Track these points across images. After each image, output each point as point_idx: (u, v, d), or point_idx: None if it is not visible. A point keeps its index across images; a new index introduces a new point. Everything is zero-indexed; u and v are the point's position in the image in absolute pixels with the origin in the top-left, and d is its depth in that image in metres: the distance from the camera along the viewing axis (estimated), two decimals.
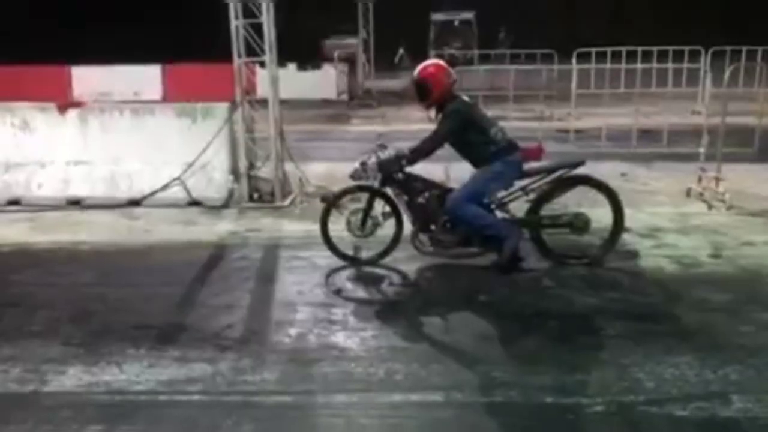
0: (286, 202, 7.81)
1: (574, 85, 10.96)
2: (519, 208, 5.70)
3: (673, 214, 7.07)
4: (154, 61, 16.78)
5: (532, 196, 5.58)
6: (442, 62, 5.67)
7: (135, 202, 7.73)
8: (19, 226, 7.15)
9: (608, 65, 12.25)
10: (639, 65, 11.83)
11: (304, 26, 24.76)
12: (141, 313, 4.91)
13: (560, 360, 4.11)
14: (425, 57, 28.00)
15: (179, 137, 7.83)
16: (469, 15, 27.75)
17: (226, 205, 7.72)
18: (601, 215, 5.71)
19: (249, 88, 7.97)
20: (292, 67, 17.17)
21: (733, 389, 3.75)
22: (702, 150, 7.73)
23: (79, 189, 7.87)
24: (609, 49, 13.18)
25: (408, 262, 5.77)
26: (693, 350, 4.17)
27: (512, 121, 11.72)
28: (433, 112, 5.70)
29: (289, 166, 8.14)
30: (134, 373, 4.03)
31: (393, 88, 20.54)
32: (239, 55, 7.72)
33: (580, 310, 4.87)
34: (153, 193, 7.74)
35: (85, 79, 16.22)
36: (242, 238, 6.69)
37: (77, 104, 8.46)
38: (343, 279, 5.56)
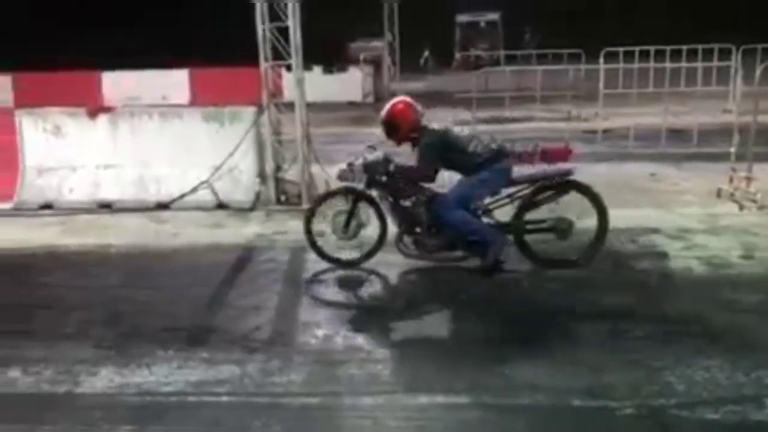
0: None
1: (601, 84, 10.86)
2: (506, 213, 5.63)
3: (703, 214, 6.96)
4: (177, 64, 16.95)
5: (518, 203, 5.59)
6: (408, 98, 5.78)
7: (164, 205, 7.81)
8: (51, 229, 7.27)
9: (636, 64, 12.12)
10: (668, 64, 11.69)
11: (329, 29, 24.87)
12: (170, 316, 4.98)
13: (588, 362, 4.07)
14: (451, 58, 27.90)
15: (207, 141, 7.92)
16: (494, 16, 27.65)
17: (253, 207, 7.78)
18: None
19: (275, 92, 8.03)
20: (317, 70, 17.23)
21: (767, 392, 3.68)
22: (733, 149, 7.62)
23: (109, 192, 7.98)
24: (637, 48, 13.04)
25: (434, 264, 5.75)
26: (724, 352, 4.11)
27: (539, 122, 11.70)
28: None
29: (315, 169, 8.17)
30: (164, 375, 4.08)
31: (418, 90, 20.52)
32: (266, 59, 7.77)
33: (608, 312, 4.82)
34: (181, 197, 7.81)
35: (115, 83, 16.45)
36: (269, 241, 6.73)
37: (107, 109, 8.59)
38: (370, 282, 5.57)
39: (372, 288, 5.46)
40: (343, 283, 5.51)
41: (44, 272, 6.03)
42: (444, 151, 5.43)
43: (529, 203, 5.55)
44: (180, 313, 5.02)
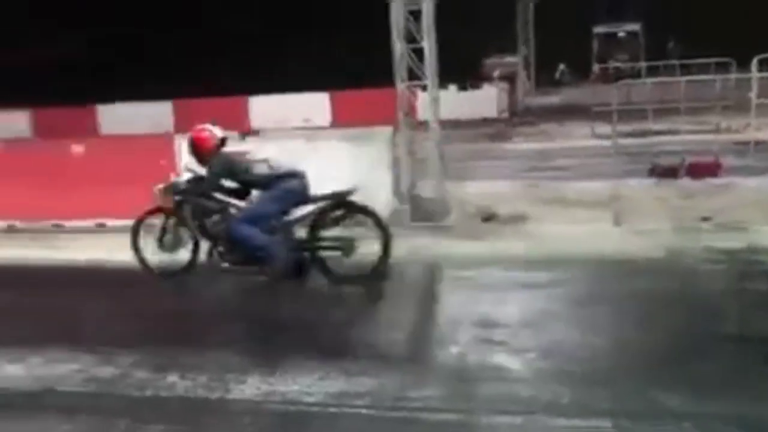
0: (448, 221, 7.91)
1: (754, 94, 10.20)
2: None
3: None
4: (321, 87, 17.68)
5: (309, 221, 6.04)
6: (209, 126, 6.37)
7: None
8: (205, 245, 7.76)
9: None
10: None
11: (463, 46, 24.98)
12: (312, 328, 5.19)
13: (739, 389, 3.83)
14: (588, 71, 27.17)
15: (346, 160, 8.18)
16: (635, 26, 26.65)
17: (389, 224, 7.93)
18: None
19: (410, 111, 8.20)
20: (452, 88, 17.38)
21: None
22: None
23: None
24: None
25: (519, 283, 5.62)
26: None
27: (685, 135, 11.14)
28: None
29: (450, 186, 8.24)
30: (306, 385, 4.23)
31: (554, 104, 20.15)
32: (402, 80, 7.96)
33: (761, 335, 4.51)
34: None
35: (261, 107, 17.43)
36: (405, 257, 6.83)
37: (256, 132, 9.13)
38: (507, 300, 5.52)
39: (509, 306, 5.42)
40: (481, 301, 5.50)
41: (199, 285, 6.49)
42: (229, 172, 6.07)
43: (321, 221, 6.01)
44: (320, 325, 5.23)
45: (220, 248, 6.15)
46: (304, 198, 6.03)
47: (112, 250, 7.15)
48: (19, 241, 8.37)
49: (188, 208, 6.28)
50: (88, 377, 4.49)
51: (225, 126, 9.61)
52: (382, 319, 5.28)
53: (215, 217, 6.13)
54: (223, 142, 6.28)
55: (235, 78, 19.79)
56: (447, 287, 5.92)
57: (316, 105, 17.37)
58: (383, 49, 8.12)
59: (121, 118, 17.35)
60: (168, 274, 6.42)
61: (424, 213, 8.06)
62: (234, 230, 5.97)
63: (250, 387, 4.28)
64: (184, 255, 6.40)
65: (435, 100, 8.01)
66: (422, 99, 8.38)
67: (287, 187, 5.97)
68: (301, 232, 6.11)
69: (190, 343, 5.08)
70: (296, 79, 18.70)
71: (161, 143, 9.11)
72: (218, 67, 24.32)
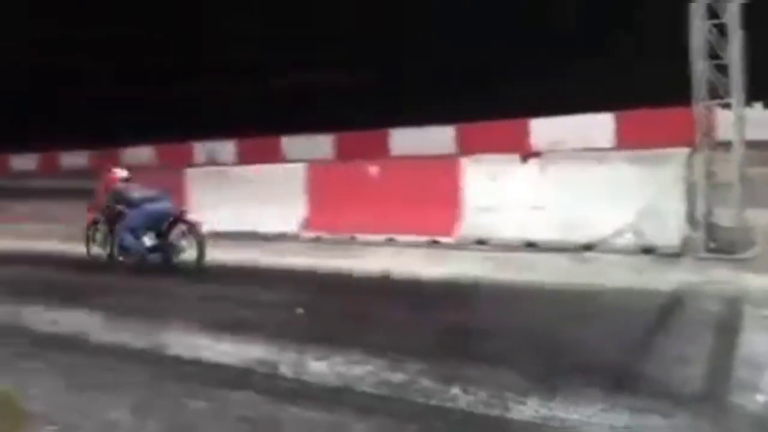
0: (750, 253, 7.15)
1: None
2: None
3: None
4: (602, 107, 17.00)
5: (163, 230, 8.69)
6: (116, 168, 9.53)
7: (588, 247, 7.95)
8: (485, 263, 7.97)
9: None
10: None
11: None
12: (595, 356, 5.00)
13: None
14: None
15: (632, 183, 7.85)
16: None
17: (680, 253, 7.42)
18: None
19: (708, 131, 7.58)
20: (758, 105, 15.66)
21: None
22: None
23: (536, 232, 8.42)
24: None
25: None
26: None
27: None
28: None
29: (754, 214, 7.45)
30: (587, 415, 4.09)
31: None
32: (701, 98, 7.40)
33: None
34: (605, 239, 7.86)
35: (542, 129, 17.32)
36: (699, 289, 6.34)
37: (536, 154, 9.16)
38: None
39: None
40: None
41: (480, 302, 6.67)
42: (118, 197, 8.94)
43: (169, 231, 8.59)
44: (605, 354, 5.03)
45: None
46: (167, 214, 8.65)
47: (402, 264, 7.64)
48: (323, 251, 9.40)
49: (103, 218, 9.19)
50: (381, 380, 4.81)
51: (506, 147, 9.84)
52: (673, 353, 4.91)
53: (117, 226, 8.85)
54: (126, 179, 9.20)
55: (516, 101, 19.90)
56: (749, 326, 5.33)
57: (598, 126, 16.77)
58: (676, 66, 7.64)
59: (409, 141, 18.48)
60: (99, 261, 9.25)
61: (721, 243, 7.38)
62: (118, 236, 8.85)
63: (529, 409, 4.25)
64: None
65: (740, 119, 7.32)
66: (723, 118, 7.71)
67: (148, 207, 8.69)
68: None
69: (471, 355, 5.20)
70: (578, 99, 18.26)
71: (446, 165, 9.58)
72: (500, 88, 24.69)
